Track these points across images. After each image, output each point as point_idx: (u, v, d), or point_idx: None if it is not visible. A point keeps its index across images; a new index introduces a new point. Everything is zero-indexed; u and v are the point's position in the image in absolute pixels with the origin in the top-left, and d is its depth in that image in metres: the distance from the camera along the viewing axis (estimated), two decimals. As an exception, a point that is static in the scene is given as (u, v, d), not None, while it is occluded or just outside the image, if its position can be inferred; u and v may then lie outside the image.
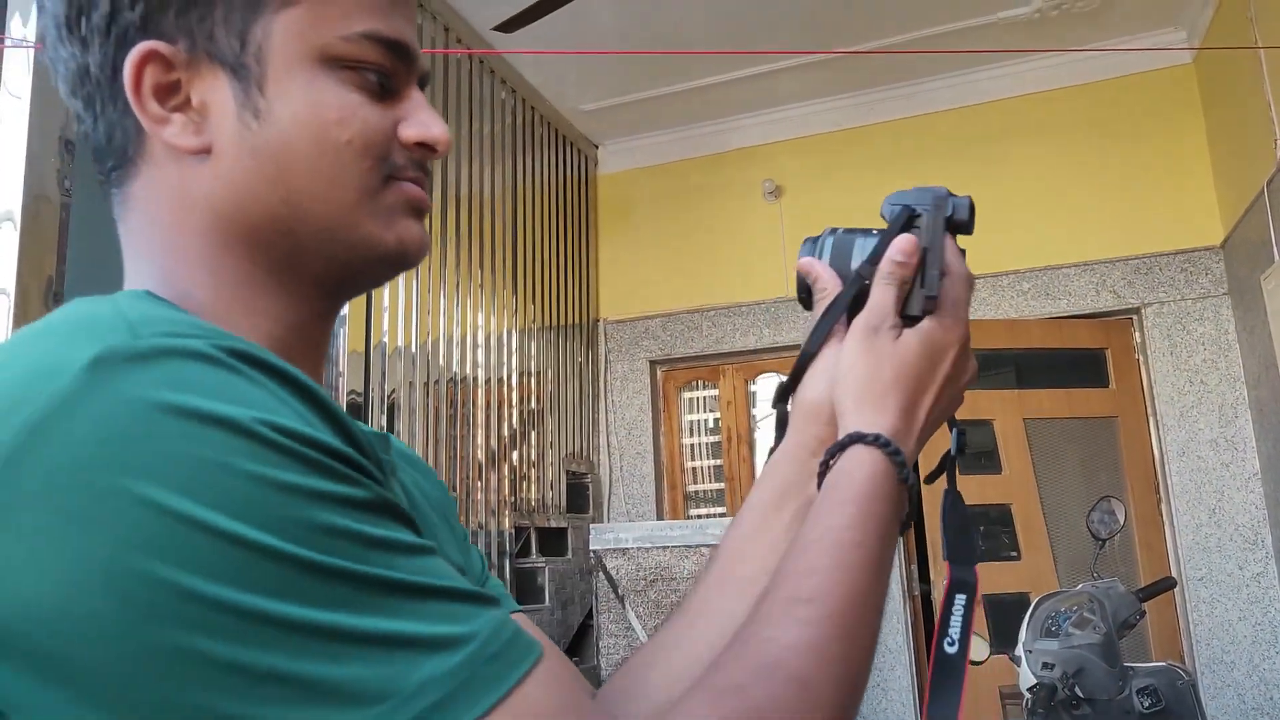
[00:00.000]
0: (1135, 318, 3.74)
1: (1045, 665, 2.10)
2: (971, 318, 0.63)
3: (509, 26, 2.90)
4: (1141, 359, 3.72)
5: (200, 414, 0.36)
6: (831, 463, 0.54)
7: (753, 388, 4.37)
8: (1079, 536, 3.24)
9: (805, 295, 0.65)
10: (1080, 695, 2.07)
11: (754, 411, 4.38)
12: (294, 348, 0.52)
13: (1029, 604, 2.29)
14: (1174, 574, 3.46)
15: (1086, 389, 3.75)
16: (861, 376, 0.57)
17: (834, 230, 0.66)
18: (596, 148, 4.57)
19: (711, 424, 4.43)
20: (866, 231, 0.65)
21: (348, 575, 0.36)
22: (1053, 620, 2.18)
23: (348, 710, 0.35)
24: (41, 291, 2.01)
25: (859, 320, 0.59)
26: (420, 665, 0.36)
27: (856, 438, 0.54)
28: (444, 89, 3.37)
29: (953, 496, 0.62)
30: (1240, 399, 3.48)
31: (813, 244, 0.66)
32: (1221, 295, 3.57)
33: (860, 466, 0.53)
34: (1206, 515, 3.47)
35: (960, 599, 0.58)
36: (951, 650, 0.56)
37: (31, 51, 2.02)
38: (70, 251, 2.10)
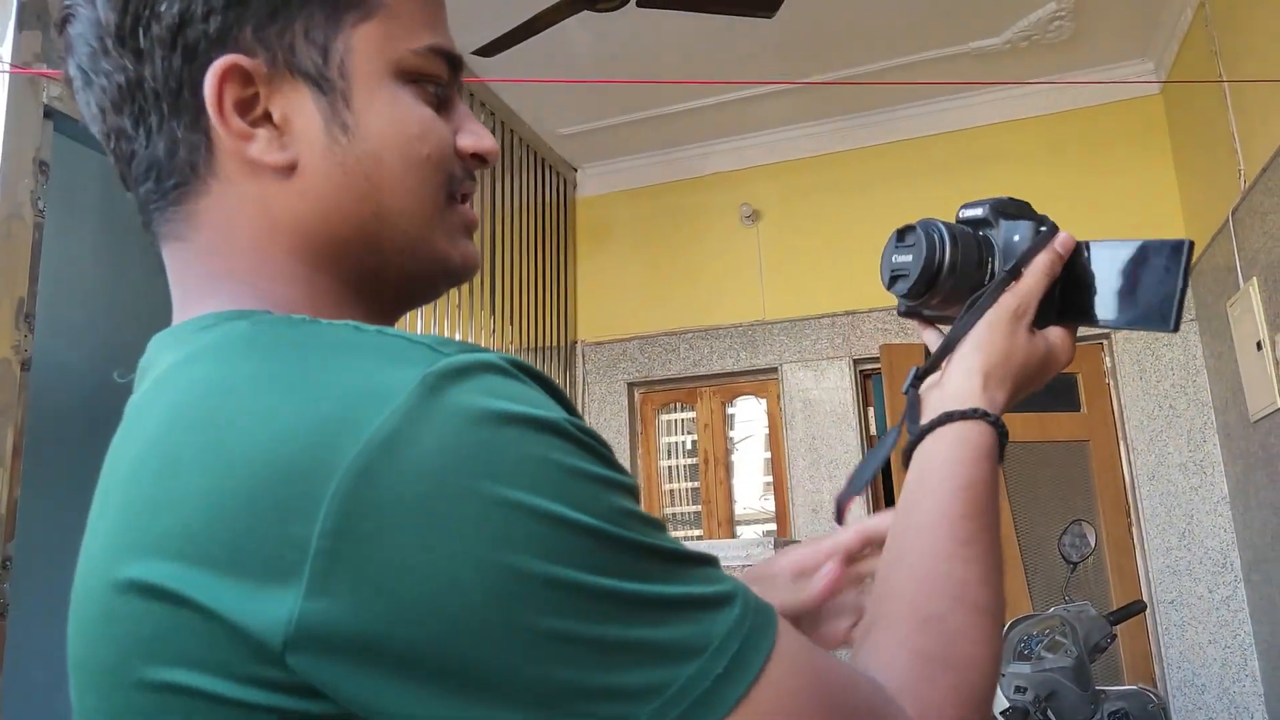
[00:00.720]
0: (1106, 342, 3.79)
1: (1018, 689, 2.11)
2: None
3: (488, 51, 2.92)
4: (1112, 383, 3.77)
5: (523, 418, 0.39)
6: (955, 420, 0.61)
7: (730, 410, 4.39)
8: (1053, 559, 3.27)
9: (893, 284, 0.70)
10: (1053, 719, 2.08)
11: (731, 434, 4.39)
12: None
13: (1005, 626, 2.31)
14: (1145, 597, 3.49)
15: (1059, 413, 3.79)
16: (998, 354, 0.63)
17: (938, 222, 0.69)
18: (575, 170, 4.60)
19: (689, 446, 4.43)
20: (966, 229, 0.69)
21: (653, 551, 0.40)
22: (1025, 644, 2.19)
23: (682, 665, 0.38)
24: (13, 311, 1.99)
25: (1009, 301, 0.65)
26: (719, 619, 0.40)
27: (984, 415, 0.61)
28: (423, 112, 3.38)
29: None
30: (1208, 423, 3.53)
31: (927, 232, 0.68)
32: (1190, 321, 3.62)
33: (986, 435, 0.60)
34: (1176, 539, 3.51)
35: None
36: None
37: (6, 75, 2.02)
38: (42, 272, 2.08)
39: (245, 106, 0.49)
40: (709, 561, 0.42)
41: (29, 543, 2.04)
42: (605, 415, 4.34)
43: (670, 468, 4.45)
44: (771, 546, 3.20)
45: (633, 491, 0.42)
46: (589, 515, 0.38)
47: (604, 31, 3.34)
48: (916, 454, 0.61)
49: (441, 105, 0.53)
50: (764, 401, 4.30)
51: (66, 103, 2.13)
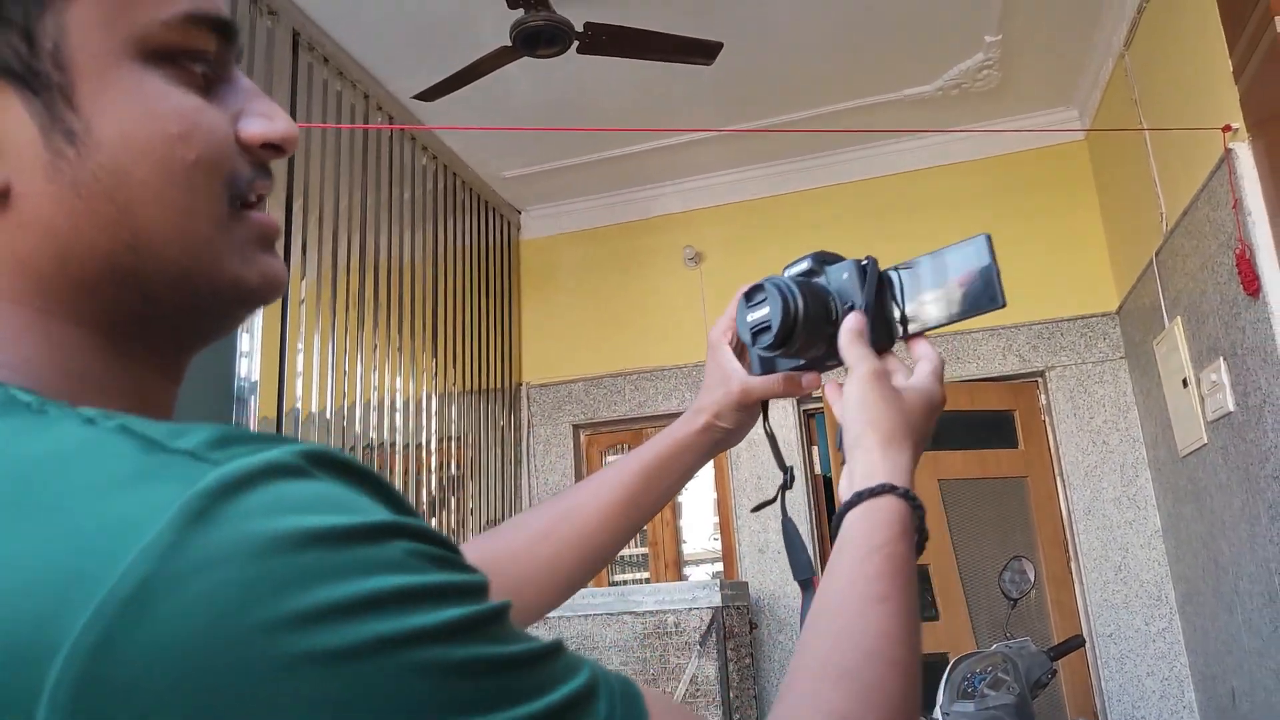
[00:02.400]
0: (1040, 380, 3.88)
1: (962, 727, 2.11)
2: None
3: (429, 96, 2.92)
4: (1048, 420, 3.86)
5: (326, 534, 0.30)
6: (866, 499, 0.61)
7: (675, 451, 4.38)
8: (996, 596, 3.31)
9: (756, 339, 0.74)
10: (996, 757, 2.09)
11: (677, 475, 4.38)
12: None
13: (949, 664, 2.32)
14: (1084, 631, 3.54)
15: (997, 450, 3.86)
16: (885, 421, 0.64)
17: (778, 278, 0.73)
18: (519, 213, 4.61)
19: (635, 488, 4.41)
20: (802, 279, 0.74)
21: (514, 661, 0.33)
22: (968, 681, 2.20)
23: None
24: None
25: (862, 370, 0.68)
26: (597, 710, 0.35)
27: (890, 489, 0.60)
28: (364, 154, 3.37)
29: (785, 521, 0.77)
30: (1140, 459, 3.63)
31: (777, 287, 0.72)
32: (1119, 359, 3.73)
33: (897, 506, 0.60)
34: (1113, 573, 3.58)
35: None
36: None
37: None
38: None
39: None
40: (560, 645, 0.36)
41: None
42: (551, 458, 4.31)
43: (616, 510, 4.42)
44: (718, 589, 3.19)
45: (481, 590, 0.33)
46: (430, 646, 0.30)
47: (545, 77, 3.37)
48: (838, 536, 0.61)
49: (213, 86, 0.42)
50: (709, 442, 4.30)
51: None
